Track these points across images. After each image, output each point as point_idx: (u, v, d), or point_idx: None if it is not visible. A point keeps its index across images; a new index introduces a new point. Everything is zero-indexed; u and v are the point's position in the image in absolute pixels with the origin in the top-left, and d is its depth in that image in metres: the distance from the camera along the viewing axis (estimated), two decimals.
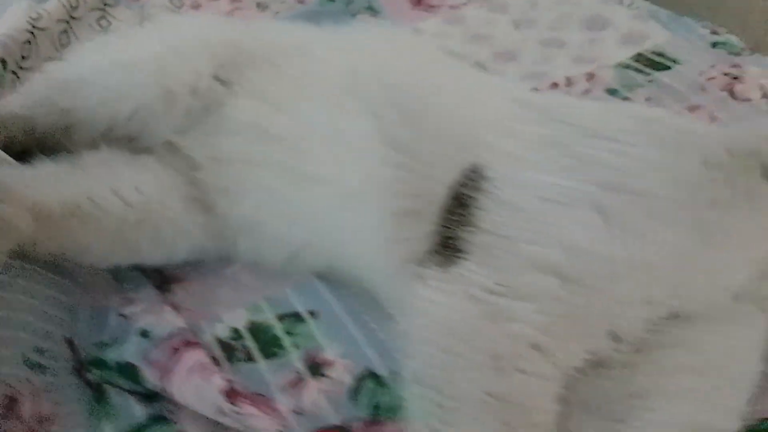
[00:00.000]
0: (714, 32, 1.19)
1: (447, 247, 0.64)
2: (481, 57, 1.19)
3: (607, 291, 0.57)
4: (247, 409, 0.62)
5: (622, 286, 0.57)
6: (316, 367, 0.70)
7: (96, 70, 0.79)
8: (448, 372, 0.55)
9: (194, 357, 0.67)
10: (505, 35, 1.25)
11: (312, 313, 0.76)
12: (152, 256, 0.77)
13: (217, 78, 0.79)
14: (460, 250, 0.62)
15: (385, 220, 0.69)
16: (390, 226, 0.69)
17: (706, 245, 0.59)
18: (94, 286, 0.77)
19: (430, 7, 1.37)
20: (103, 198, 0.72)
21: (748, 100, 1.00)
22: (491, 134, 0.70)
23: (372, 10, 1.37)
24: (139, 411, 0.67)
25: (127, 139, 0.79)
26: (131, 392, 0.68)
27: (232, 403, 0.62)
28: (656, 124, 0.69)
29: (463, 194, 0.65)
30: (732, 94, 1.01)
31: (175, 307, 0.76)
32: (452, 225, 0.64)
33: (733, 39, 1.17)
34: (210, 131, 0.78)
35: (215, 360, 0.70)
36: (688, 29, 1.20)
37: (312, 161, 0.74)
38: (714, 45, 1.15)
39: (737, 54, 1.12)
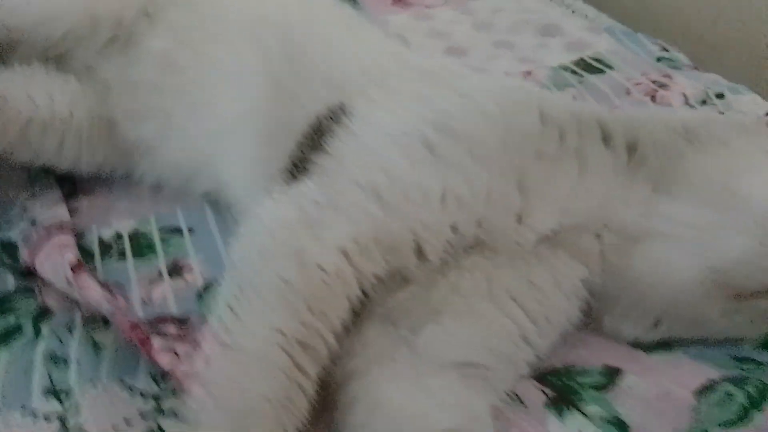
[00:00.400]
0: (664, 49, 1.23)
1: (299, 168, 0.70)
2: (434, 49, 1.26)
3: (416, 214, 0.62)
4: (85, 282, 0.68)
5: (431, 212, 0.62)
6: (176, 270, 0.77)
7: None
8: (256, 264, 0.60)
9: (61, 239, 0.74)
10: (463, 34, 1.32)
11: (191, 230, 0.83)
12: (56, 160, 0.85)
13: (144, 12, 0.88)
14: (307, 171, 0.68)
15: (254, 142, 0.76)
16: (257, 147, 0.76)
17: (520, 189, 0.64)
18: (8, 181, 0.85)
19: (407, 5, 1.45)
20: (16, 97, 0.80)
21: (669, 105, 1.03)
22: (365, 81, 0.76)
23: (353, 2, 1.45)
24: (11, 283, 0.74)
25: (59, 59, 0.88)
26: (11, 267, 0.76)
27: (73, 272, 0.69)
28: (515, 88, 0.74)
29: (323, 124, 0.71)
30: (653, 98, 1.04)
31: (72, 210, 0.84)
32: (307, 150, 0.70)
33: (681, 56, 1.20)
34: (127, 57, 0.86)
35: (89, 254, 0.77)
36: (638, 43, 1.23)
37: (206, 92, 0.82)
38: (659, 59, 1.18)
39: (677, 68, 1.15)
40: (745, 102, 1.03)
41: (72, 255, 0.72)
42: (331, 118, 0.72)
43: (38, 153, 0.83)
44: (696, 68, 1.17)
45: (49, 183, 0.87)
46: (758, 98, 1.05)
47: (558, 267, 0.65)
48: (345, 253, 0.59)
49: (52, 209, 0.81)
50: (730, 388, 0.59)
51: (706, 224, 0.64)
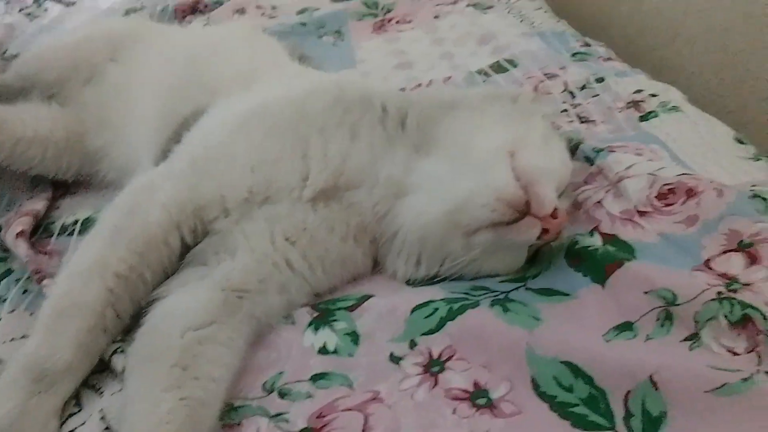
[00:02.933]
0: (585, 44, 1.31)
1: (165, 155, 0.93)
2: (387, 66, 1.44)
3: (222, 180, 0.81)
4: (19, 243, 0.96)
5: (233, 177, 0.81)
6: None
7: (43, 50, 1.23)
8: (104, 215, 0.83)
9: (21, 220, 1.03)
10: (418, 51, 1.49)
11: None
12: (42, 168, 1.14)
13: (110, 57, 1.18)
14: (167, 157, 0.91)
15: (151, 132, 1.01)
16: (153, 137, 1.00)
17: (303, 157, 0.81)
18: (13, 185, 1.17)
19: (384, 31, 1.65)
20: (12, 120, 1.11)
21: (549, 93, 1.13)
22: (233, 84, 0.98)
23: (338, 33, 1.68)
24: None
25: (52, 96, 1.20)
26: None
27: (15, 237, 0.96)
28: (331, 80, 0.91)
29: (187, 122, 0.94)
30: (536, 89, 1.14)
31: (53, 205, 1.13)
32: (172, 142, 0.93)
33: (601, 50, 1.28)
34: (96, 87, 1.16)
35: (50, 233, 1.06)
36: (563, 42, 1.33)
37: (137, 104, 1.09)
38: (574, 54, 1.27)
39: (583, 61, 1.23)
40: (625, 83, 1.10)
41: (20, 227, 0.99)
42: (194, 118, 0.94)
43: (28, 163, 1.13)
44: (609, 59, 1.24)
45: (45, 187, 1.18)
46: (641, 79, 1.12)
47: (332, 216, 0.81)
48: (167, 210, 0.80)
49: (34, 203, 1.11)
50: (440, 304, 0.71)
51: (446, 175, 0.77)
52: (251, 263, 0.78)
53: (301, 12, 1.82)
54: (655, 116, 1.01)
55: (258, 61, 1.06)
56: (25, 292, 0.93)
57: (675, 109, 1.01)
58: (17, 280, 0.95)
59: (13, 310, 0.89)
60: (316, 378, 0.69)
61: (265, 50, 1.14)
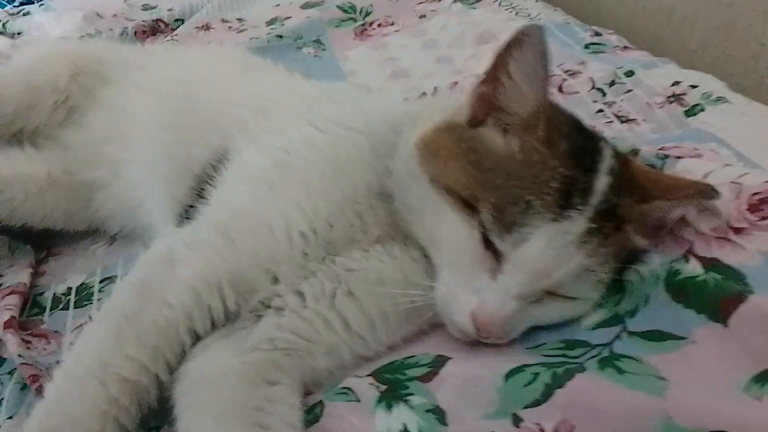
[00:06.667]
0: (596, 34, 1.22)
1: (188, 212, 0.80)
2: (381, 76, 1.33)
3: (266, 251, 0.68)
4: (9, 337, 0.82)
5: (278, 247, 0.68)
6: None
7: None
8: (114, 294, 0.70)
9: (8, 300, 0.88)
10: (410, 56, 1.38)
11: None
12: (26, 215, 0.99)
13: (75, 79, 1.03)
14: (189, 217, 0.78)
15: (163, 185, 0.88)
16: (165, 189, 0.87)
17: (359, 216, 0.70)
18: None
19: (367, 37, 1.54)
20: None
21: (576, 93, 1.04)
22: (245, 114, 0.84)
23: (318, 43, 1.56)
24: None
25: (26, 136, 1.04)
26: None
27: (4, 329, 0.82)
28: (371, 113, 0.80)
29: (206, 171, 0.81)
30: (560, 89, 1.05)
31: (37, 271, 0.99)
32: (194, 196, 0.80)
33: (613, 39, 1.20)
34: (77, 125, 1.02)
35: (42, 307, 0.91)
36: (570, 34, 1.24)
37: (129, 148, 0.96)
38: (587, 46, 1.18)
39: (601, 53, 1.14)
40: (657, 75, 1.02)
41: (8, 315, 0.85)
42: (213, 166, 0.81)
43: (8, 206, 0.98)
44: (626, 47, 1.16)
45: (26, 251, 1.03)
46: (672, 69, 1.04)
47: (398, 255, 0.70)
48: (195, 291, 0.66)
49: (18, 274, 0.96)
50: (539, 369, 0.61)
51: None
52: (299, 322, 0.68)
53: (271, 23, 1.70)
54: (702, 110, 0.92)
55: (264, 87, 0.93)
56: (23, 388, 0.79)
57: (721, 99, 0.93)
58: (11, 372, 0.81)
59: (11, 416, 0.75)
60: None
61: (265, 72, 1.01)
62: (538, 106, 0.63)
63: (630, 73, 1.03)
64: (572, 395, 0.57)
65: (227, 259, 0.68)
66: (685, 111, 0.93)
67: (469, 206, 0.62)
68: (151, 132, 0.94)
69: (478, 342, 0.66)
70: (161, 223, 0.90)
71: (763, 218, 0.69)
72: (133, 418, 0.62)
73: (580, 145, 0.65)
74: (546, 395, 0.58)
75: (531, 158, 0.62)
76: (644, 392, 0.56)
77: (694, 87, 0.97)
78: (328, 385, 0.68)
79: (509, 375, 0.61)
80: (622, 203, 0.64)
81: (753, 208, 0.70)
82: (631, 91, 1.00)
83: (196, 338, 0.67)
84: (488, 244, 0.61)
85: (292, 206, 0.70)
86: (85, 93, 1.04)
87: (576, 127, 0.68)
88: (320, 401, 0.66)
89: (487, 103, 0.66)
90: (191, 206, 0.81)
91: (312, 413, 0.64)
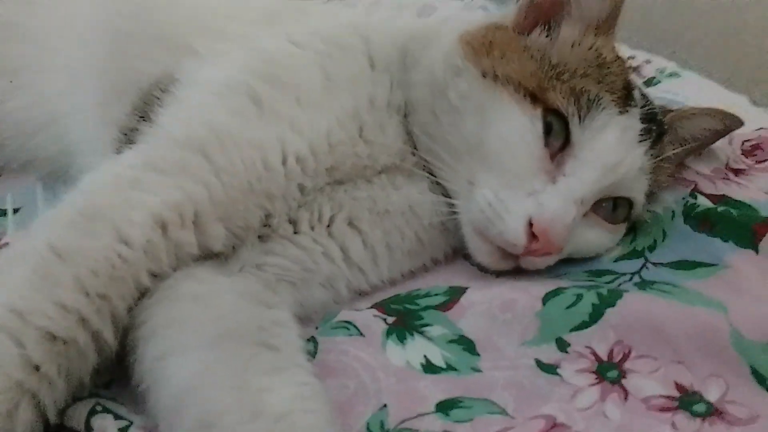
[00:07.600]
0: None
1: (128, 137, 0.63)
2: None
3: (261, 186, 0.55)
4: None
5: (276, 180, 0.56)
6: None
7: None
8: (36, 228, 0.53)
9: None
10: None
11: (15, 210, 0.76)
12: None
13: None
14: (133, 141, 0.61)
15: (96, 102, 0.71)
16: (100, 108, 0.70)
17: (363, 138, 0.60)
18: None
19: None
20: None
21: None
22: (196, 31, 0.71)
23: None
24: None
25: None
26: None
27: None
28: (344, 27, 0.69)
29: (151, 93, 0.65)
30: None
31: None
32: (135, 119, 0.64)
33: None
34: None
35: None
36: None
37: (52, 52, 0.77)
38: None
39: None
40: None
41: None
42: (160, 88, 0.65)
43: None
44: None
45: None
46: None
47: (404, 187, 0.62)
48: (163, 223, 0.51)
49: None
50: (581, 291, 0.54)
51: None
52: (292, 248, 0.57)
53: None
54: (659, 82, 0.94)
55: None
56: None
57: (674, 75, 0.96)
58: None
59: None
60: (444, 408, 0.48)
61: None
62: (614, 9, 0.61)
63: None
64: (627, 315, 0.51)
65: (210, 186, 0.53)
66: (644, 81, 0.94)
67: (532, 98, 0.56)
68: (80, 33, 0.75)
69: (495, 273, 0.59)
70: (90, 147, 0.72)
71: (761, 161, 0.69)
72: (60, 395, 0.44)
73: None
74: (595, 317, 0.52)
75: (602, 57, 0.60)
76: (706, 308, 0.51)
77: (648, 62, 0.99)
78: (318, 320, 0.57)
79: (547, 297, 0.54)
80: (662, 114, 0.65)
81: (747, 153, 0.70)
82: None
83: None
84: (546, 142, 0.55)
85: (286, 125, 0.57)
86: None
87: None
88: (312, 337, 0.55)
89: (542, 10, 0.61)
90: (132, 129, 0.65)
91: None
